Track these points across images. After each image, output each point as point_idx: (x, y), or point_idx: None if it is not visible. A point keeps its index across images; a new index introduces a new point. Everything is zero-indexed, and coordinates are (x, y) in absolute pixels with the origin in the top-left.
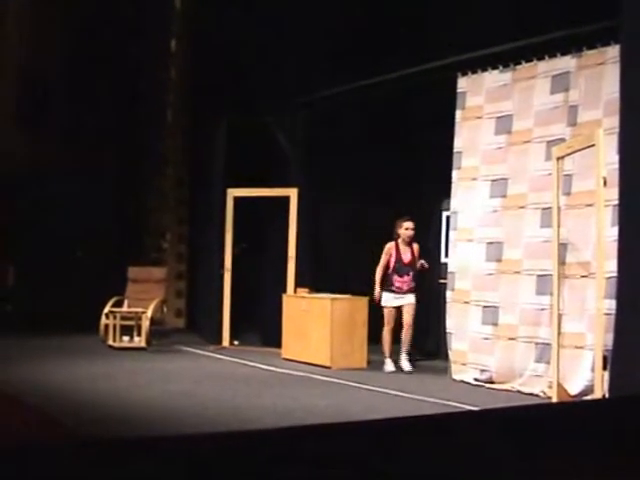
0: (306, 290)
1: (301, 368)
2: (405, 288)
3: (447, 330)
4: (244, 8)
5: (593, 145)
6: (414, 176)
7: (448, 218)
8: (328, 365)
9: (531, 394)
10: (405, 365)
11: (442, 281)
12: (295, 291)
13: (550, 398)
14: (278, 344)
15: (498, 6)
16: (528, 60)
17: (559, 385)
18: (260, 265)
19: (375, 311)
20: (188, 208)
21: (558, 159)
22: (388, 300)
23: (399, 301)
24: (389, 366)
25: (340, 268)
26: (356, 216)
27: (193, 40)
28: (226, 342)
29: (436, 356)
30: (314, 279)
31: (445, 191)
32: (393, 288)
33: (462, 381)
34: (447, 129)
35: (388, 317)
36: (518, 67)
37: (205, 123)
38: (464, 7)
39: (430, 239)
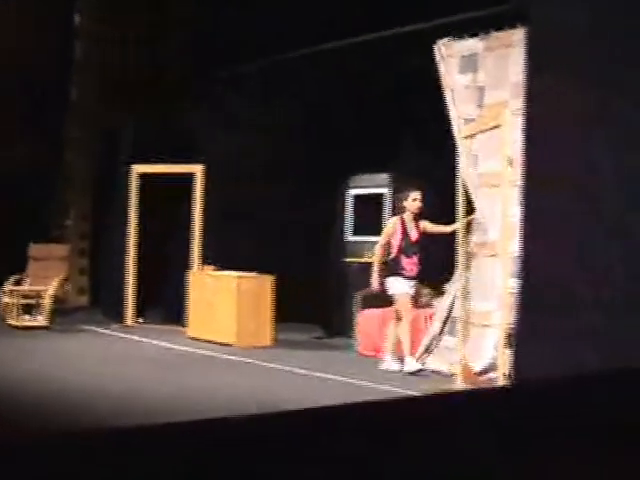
0: (212, 268)
1: (206, 347)
2: (415, 271)
3: None
4: None
5: (499, 125)
6: (321, 154)
7: (354, 197)
8: (234, 343)
9: (438, 371)
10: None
11: (347, 260)
12: (201, 268)
13: (455, 375)
14: (183, 322)
15: None
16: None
17: (464, 362)
18: (166, 242)
19: (282, 289)
20: (92, 184)
21: (466, 137)
22: (400, 287)
23: (413, 288)
24: (412, 365)
25: (248, 246)
26: (264, 194)
27: None
28: (130, 320)
29: (342, 334)
30: (221, 257)
31: (350, 170)
32: (403, 272)
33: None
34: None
35: (405, 306)
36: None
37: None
38: None
39: (337, 216)
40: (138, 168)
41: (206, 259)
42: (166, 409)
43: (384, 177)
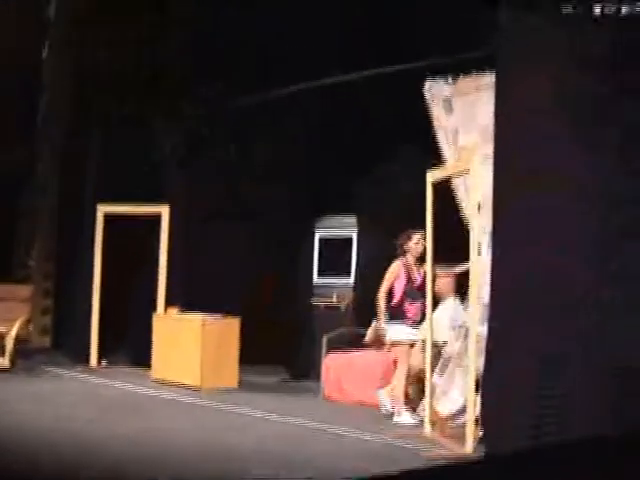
0: (177, 309)
1: (170, 389)
2: (419, 317)
3: None
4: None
5: (468, 171)
6: (286, 196)
7: (320, 239)
8: (198, 386)
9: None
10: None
11: (314, 301)
12: (165, 310)
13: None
14: (148, 364)
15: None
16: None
17: (432, 407)
18: (131, 283)
19: (248, 331)
20: (56, 224)
21: (433, 184)
22: (401, 334)
23: (415, 336)
24: (406, 417)
25: (213, 288)
26: (230, 235)
27: None
28: (94, 362)
29: (308, 377)
30: (186, 298)
31: (316, 211)
32: (408, 318)
33: None
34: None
35: (404, 356)
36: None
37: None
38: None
39: (304, 258)
40: (103, 208)
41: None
42: (120, 454)
43: (351, 220)
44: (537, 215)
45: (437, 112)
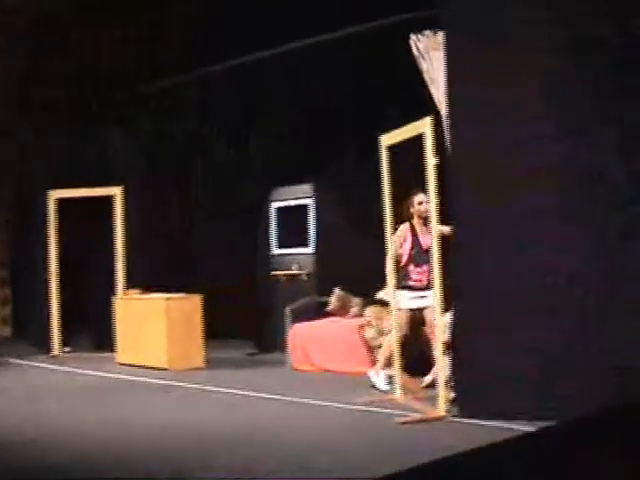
0: (138, 291)
1: (138, 373)
2: (425, 281)
3: None
4: None
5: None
6: (244, 168)
7: (277, 209)
8: (166, 367)
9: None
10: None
11: (274, 273)
12: (126, 292)
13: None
14: (112, 348)
15: None
16: None
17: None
18: (89, 267)
19: (213, 307)
20: (9, 212)
21: (388, 148)
22: (402, 300)
23: (419, 301)
24: (382, 381)
25: (173, 266)
26: (187, 212)
27: None
28: (57, 350)
29: (274, 349)
30: (147, 279)
31: (271, 182)
32: (410, 283)
33: None
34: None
35: (400, 322)
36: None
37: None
38: None
39: (261, 230)
40: (55, 193)
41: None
42: (100, 440)
43: (306, 188)
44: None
45: (425, 65)
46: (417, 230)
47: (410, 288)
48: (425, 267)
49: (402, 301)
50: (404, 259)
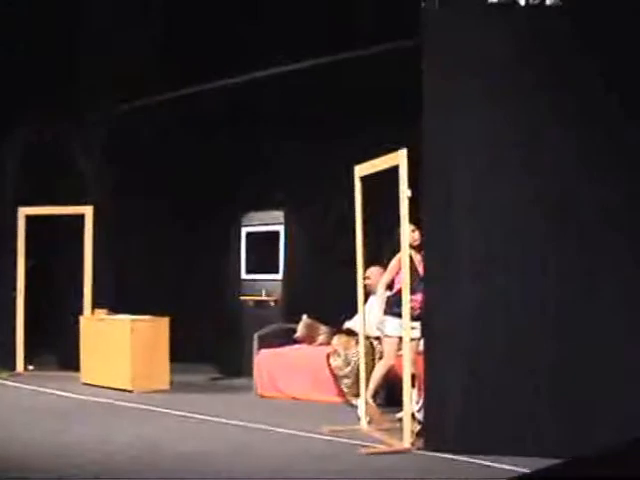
0: (104, 311)
1: (102, 393)
2: (418, 310)
3: None
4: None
5: (396, 165)
6: (215, 192)
7: (247, 234)
8: (130, 389)
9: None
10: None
11: (243, 297)
12: (93, 312)
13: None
14: (76, 367)
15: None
16: None
17: (367, 402)
18: (56, 286)
19: (177, 330)
20: None
21: (361, 179)
22: (397, 328)
23: (413, 332)
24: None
25: (141, 288)
26: (156, 234)
27: None
28: (20, 367)
29: (240, 374)
30: (114, 300)
31: (242, 208)
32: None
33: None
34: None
35: (391, 350)
36: None
37: None
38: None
39: (231, 255)
40: (25, 210)
41: None
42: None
43: (278, 214)
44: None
45: None
46: (414, 258)
47: (401, 316)
48: (418, 295)
49: (397, 329)
50: (396, 287)
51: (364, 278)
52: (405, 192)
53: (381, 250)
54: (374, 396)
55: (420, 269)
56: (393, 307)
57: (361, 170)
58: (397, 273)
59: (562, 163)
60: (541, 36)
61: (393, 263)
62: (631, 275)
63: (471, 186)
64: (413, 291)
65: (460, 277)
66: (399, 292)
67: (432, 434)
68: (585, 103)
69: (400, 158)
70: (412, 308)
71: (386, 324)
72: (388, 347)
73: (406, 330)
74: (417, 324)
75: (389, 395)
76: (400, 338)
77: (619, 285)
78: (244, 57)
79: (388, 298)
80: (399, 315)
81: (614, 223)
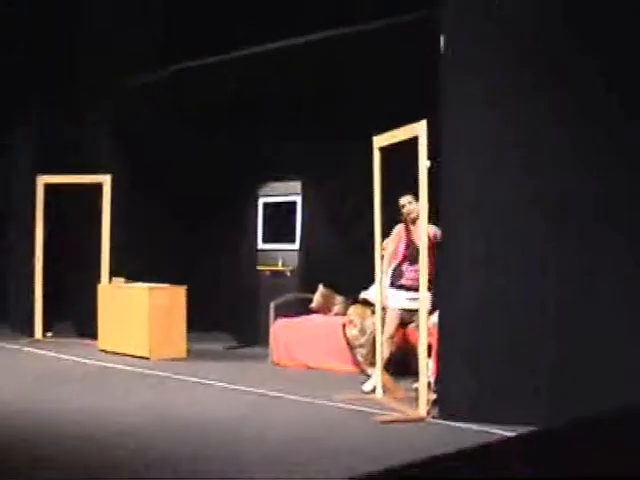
0: (122, 279)
1: (120, 360)
2: (412, 282)
3: None
4: None
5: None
6: (233, 162)
7: (264, 205)
8: (147, 356)
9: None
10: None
11: (260, 268)
12: (110, 280)
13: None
14: (94, 335)
15: None
16: None
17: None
18: (74, 253)
19: (196, 299)
20: None
21: (380, 149)
22: (396, 300)
23: (412, 303)
24: (368, 385)
25: (159, 257)
26: (177, 204)
27: None
28: (39, 334)
29: (255, 343)
30: (132, 268)
31: (261, 179)
32: (403, 282)
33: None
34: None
35: (391, 322)
36: None
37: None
38: None
39: (249, 225)
40: (44, 179)
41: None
42: (87, 425)
43: (295, 185)
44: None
45: None
46: (411, 231)
47: (404, 287)
48: (418, 266)
49: (396, 301)
50: (399, 258)
51: (381, 249)
52: (424, 163)
53: (397, 222)
54: (386, 365)
55: (418, 241)
56: (394, 279)
57: (380, 140)
58: (398, 244)
59: (562, 163)
60: (541, 37)
61: (393, 234)
62: (631, 275)
63: (472, 186)
64: (413, 262)
65: (460, 277)
66: (400, 264)
67: (447, 403)
68: (585, 103)
69: (420, 129)
70: (413, 279)
71: (388, 296)
72: (388, 319)
73: (422, 302)
74: (418, 295)
75: (405, 365)
76: (404, 309)
77: (619, 285)
78: (244, 58)
79: (393, 270)
80: (402, 287)
81: (614, 223)
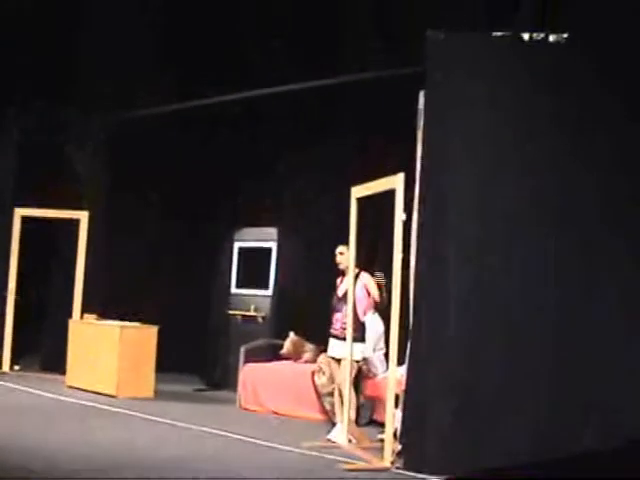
0: (94, 316)
1: (87, 397)
2: (336, 331)
3: None
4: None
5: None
6: (209, 206)
7: (239, 249)
8: (114, 394)
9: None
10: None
11: (232, 312)
12: (82, 317)
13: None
14: (62, 370)
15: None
16: None
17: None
18: (46, 288)
19: (164, 339)
20: None
21: (358, 200)
22: (329, 347)
23: (341, 350)
24: (334, 433)
25: (131, 296)
26: (149, 244)
27: None
28: (6, 367)
29: (224, 387)
30: (103, 306)
31: (236, 222)
32: (332, 330)
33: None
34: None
35: (328, 371)
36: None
37: None
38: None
39: (223, 269)
40: (21, 211)
41: None
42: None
43: (271, 231)
44: None
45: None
46: (343, 279)
47: (332, 336)
48: (339, 315)
49: (329, 350)
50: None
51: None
52: (400, 215)
53: (372, 267)
54: (356, 416)
55: (341, 290)
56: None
57: (358, 191)
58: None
59: (562, 163)
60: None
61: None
62: (631, 275)
63: (471, 188)
64: (338, 311)
65: (460, 278)
66: (331, 313)
67: (412, 454)
68: (585, 104)
69: (397, 182)
70: (338, 329)
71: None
72: (326, 367)
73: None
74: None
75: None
76: (333, 358)
77: (619, 286)
78: (244, 57)
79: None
80: (331, 335)
81: (614, 223)
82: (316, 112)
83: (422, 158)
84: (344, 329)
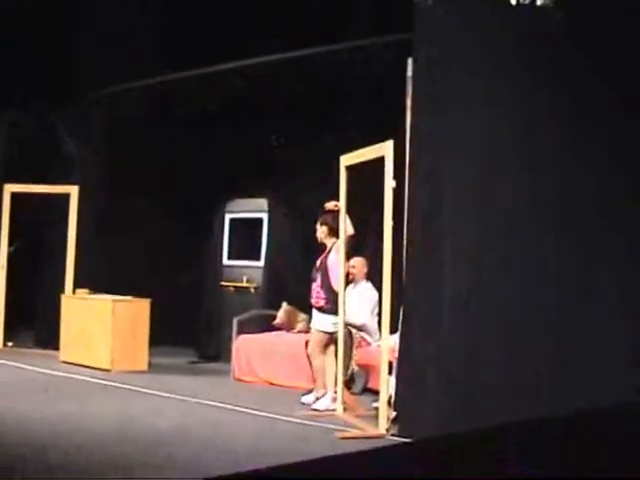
0: (86, 291)
1: (81, 371)
2: (312, 300)
3: None
4: None
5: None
6: (202, 177)
7: (230, 220)
8: (108, 368)
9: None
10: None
11: (224, 283)
12: (74, 292)
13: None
14: (55, 346)
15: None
16: None
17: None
18: (38, 264)
19: (159, 313)
20: None
21: (347, 168)
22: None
23: (314, 321)
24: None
25: (123, 270)
26: (143, 216)
27: None
28: None
29: (218, 358)
30: (96, 280)
31: (228, 194)
32: (310, 301)
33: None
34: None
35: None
36: None
37: None
38: None
39: (213, 241)
40: (10, 187)
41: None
42: (41, 435)
43: (262, 202)
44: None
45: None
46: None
47: (311, 306)
48: (313, 284)
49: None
50: None
51: (349, 267)
52: (390, 183)
53: (365, 240)
54: (348, 383)
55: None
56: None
57: (347, 160)
58: None
59: (562, 163)
60: (537, 34)
61: None
62: (631, 275)
63: (470, 187)
64: (313, 280)
65: (459, 277)
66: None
67: (406, 420)
68: (585, 103)
69: (386, 149)
70: (314, 297)
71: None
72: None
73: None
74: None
75: None
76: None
77: (619, 285)
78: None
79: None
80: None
81: (614, 220)
82: (308, 81)
83: (418, 154)
84: (318, 299)
